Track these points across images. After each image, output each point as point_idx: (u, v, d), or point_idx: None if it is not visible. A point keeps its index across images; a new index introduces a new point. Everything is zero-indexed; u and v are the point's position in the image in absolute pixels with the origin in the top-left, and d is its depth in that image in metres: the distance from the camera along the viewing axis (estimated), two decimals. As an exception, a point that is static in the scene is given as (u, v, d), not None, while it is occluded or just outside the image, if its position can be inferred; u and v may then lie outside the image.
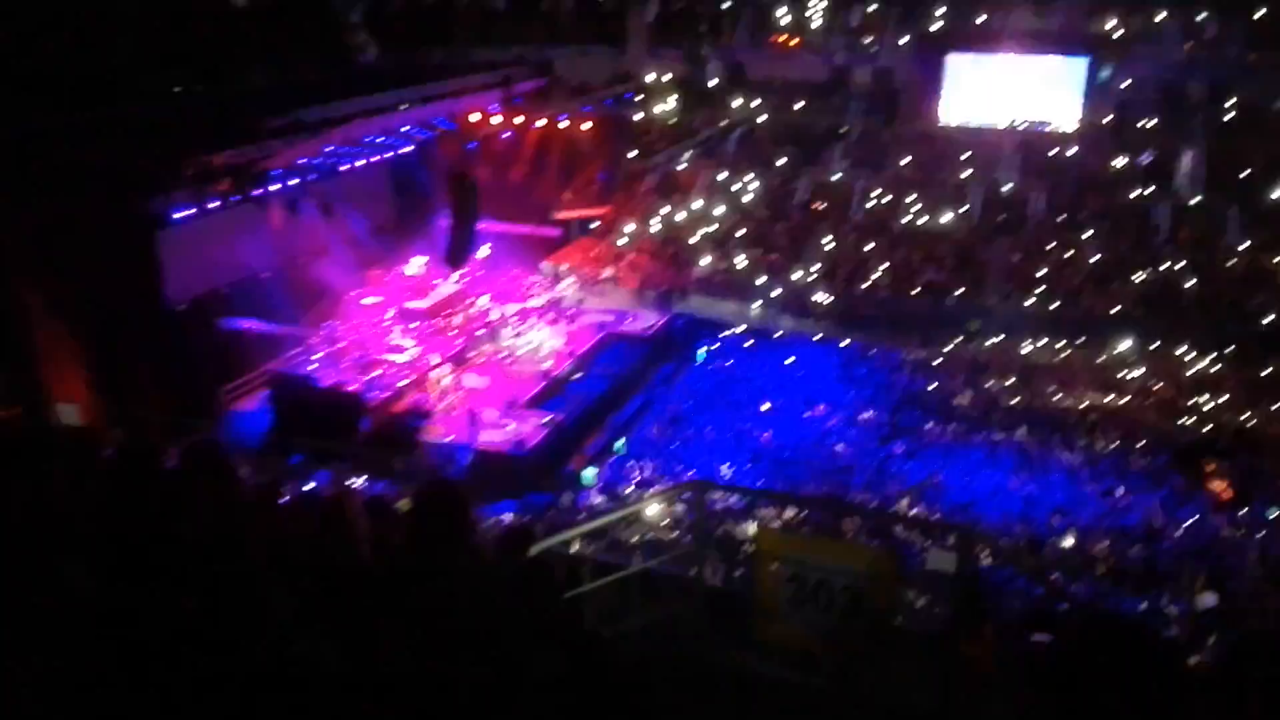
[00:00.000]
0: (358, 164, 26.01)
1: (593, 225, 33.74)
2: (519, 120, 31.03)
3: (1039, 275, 28.69)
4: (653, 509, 17.18)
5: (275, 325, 24.40)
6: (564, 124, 31.32)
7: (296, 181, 23.81)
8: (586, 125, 31.56)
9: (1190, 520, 18.79)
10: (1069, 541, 18.14)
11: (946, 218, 31.09)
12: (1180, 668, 1.64)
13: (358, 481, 19.53)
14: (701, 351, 28.40)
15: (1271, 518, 18.83)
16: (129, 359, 18.93)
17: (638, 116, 35.16)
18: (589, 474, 21.43)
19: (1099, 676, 1.61)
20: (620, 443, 23.10)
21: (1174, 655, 1.62)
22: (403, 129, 27.63)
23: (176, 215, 21.05)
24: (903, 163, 33.36)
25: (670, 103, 35.99)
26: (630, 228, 32.56)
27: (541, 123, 31.26)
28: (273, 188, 23.16)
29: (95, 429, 6.85)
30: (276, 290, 24.65)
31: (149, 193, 20.53)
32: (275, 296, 24.56)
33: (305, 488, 12.21)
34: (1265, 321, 26.04)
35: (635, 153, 34.61)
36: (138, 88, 23.87)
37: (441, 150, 29.17)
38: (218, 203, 21.98)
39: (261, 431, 22.28)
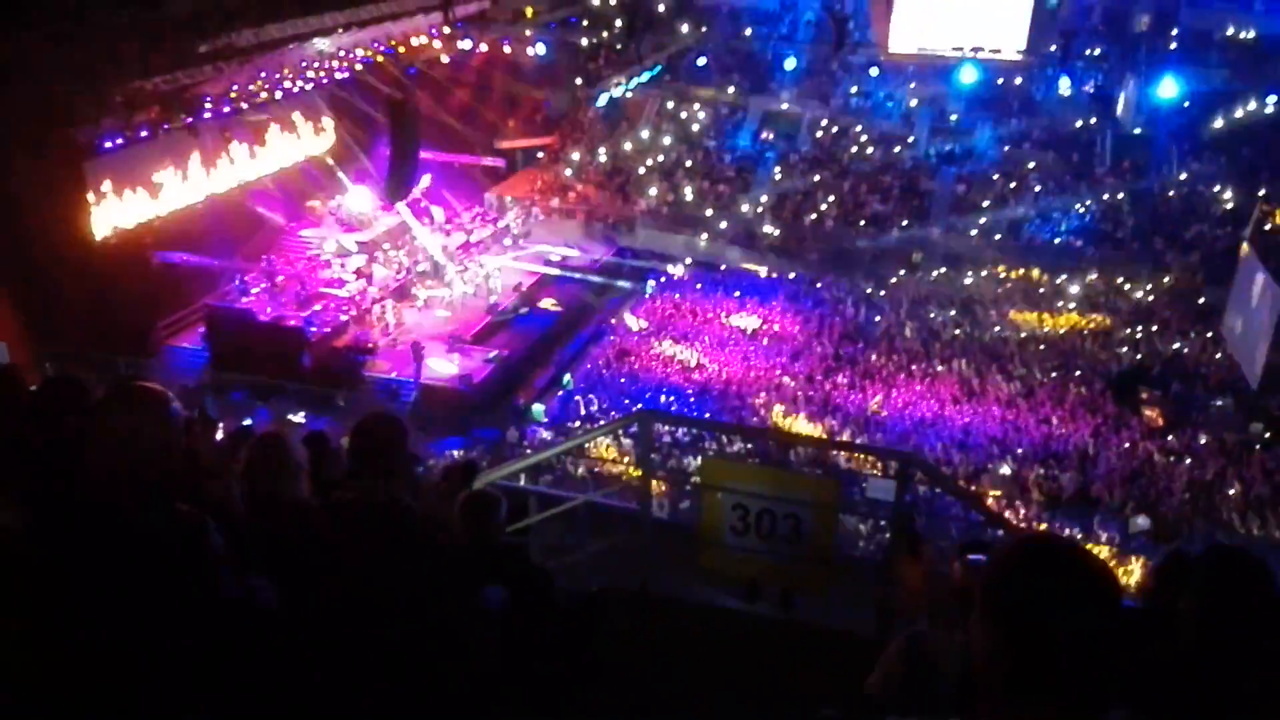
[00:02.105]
0: (294, 89, 25.15)
1: (538, 155, 33.21)
2: (461, 45, 30.22)
3: (983, 205, 28.89)
4: (600, 442, 17.26)
5: (210, 258, 23.77)
6: (507, 49, 30.55)
7: (230, 108, 23.01)
8: (531, 50, 30.83)
9: (1123, 446, 19.36)
10: (1006, 469, 18.61)
11: (894, 148, 31.07)
12: (1115, 587, 1.65)
13: (298, 417, 19.30)
14: (650, 284, 28.33)
15: (1201, 443, 19.48)
16: (58, 294, 18.32)
17: (584, 42, 34.40)
18: (537, 409, 21.41)
19: (1030, 595, 1.61)
20: (568, 377, 23.08)
21: (1108, 573, 1.62)
22: (339, 53, 26.73)
23: (105, 144, 20.31)
24: (851, 91, 33.20)
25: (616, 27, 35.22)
26: (576, 158, 32.09)
27: (484, 47, 30.48)
28: (205, 115, 22.38)
29: (21, 366, 6.59)
30: (211, 222, 23.96)
31: (76, 121, 19.72)
32: (210, 228, 23.87)
33: (244, 423, 12.02)
34: (1201, 252, 26.53)
35: (581, 80, 33.96)
36: (62, 10, 22.71)
37: (380, 76, 28.34)
38: (148, 131, 21.23)
39: (198, 367, 21.86)
